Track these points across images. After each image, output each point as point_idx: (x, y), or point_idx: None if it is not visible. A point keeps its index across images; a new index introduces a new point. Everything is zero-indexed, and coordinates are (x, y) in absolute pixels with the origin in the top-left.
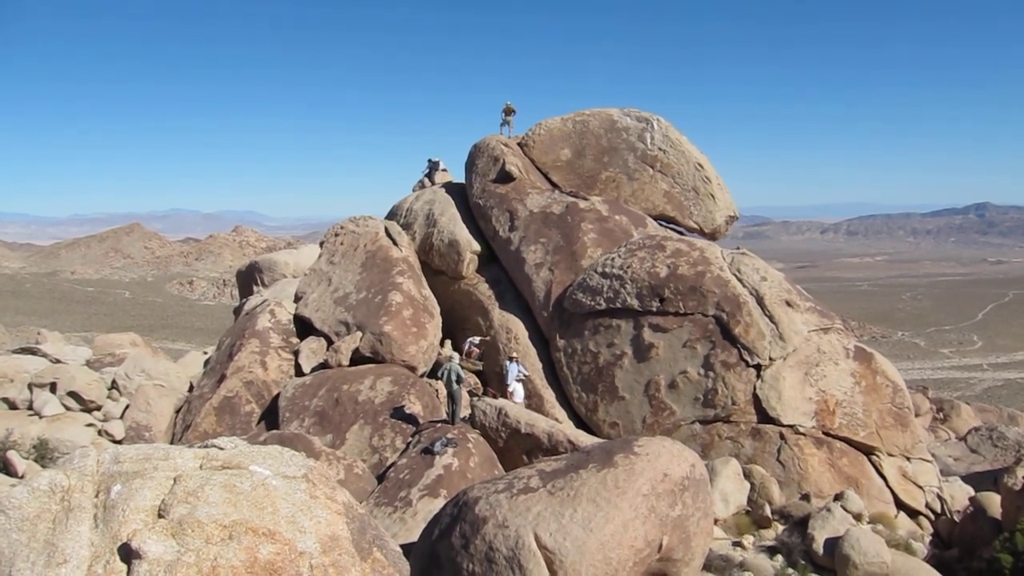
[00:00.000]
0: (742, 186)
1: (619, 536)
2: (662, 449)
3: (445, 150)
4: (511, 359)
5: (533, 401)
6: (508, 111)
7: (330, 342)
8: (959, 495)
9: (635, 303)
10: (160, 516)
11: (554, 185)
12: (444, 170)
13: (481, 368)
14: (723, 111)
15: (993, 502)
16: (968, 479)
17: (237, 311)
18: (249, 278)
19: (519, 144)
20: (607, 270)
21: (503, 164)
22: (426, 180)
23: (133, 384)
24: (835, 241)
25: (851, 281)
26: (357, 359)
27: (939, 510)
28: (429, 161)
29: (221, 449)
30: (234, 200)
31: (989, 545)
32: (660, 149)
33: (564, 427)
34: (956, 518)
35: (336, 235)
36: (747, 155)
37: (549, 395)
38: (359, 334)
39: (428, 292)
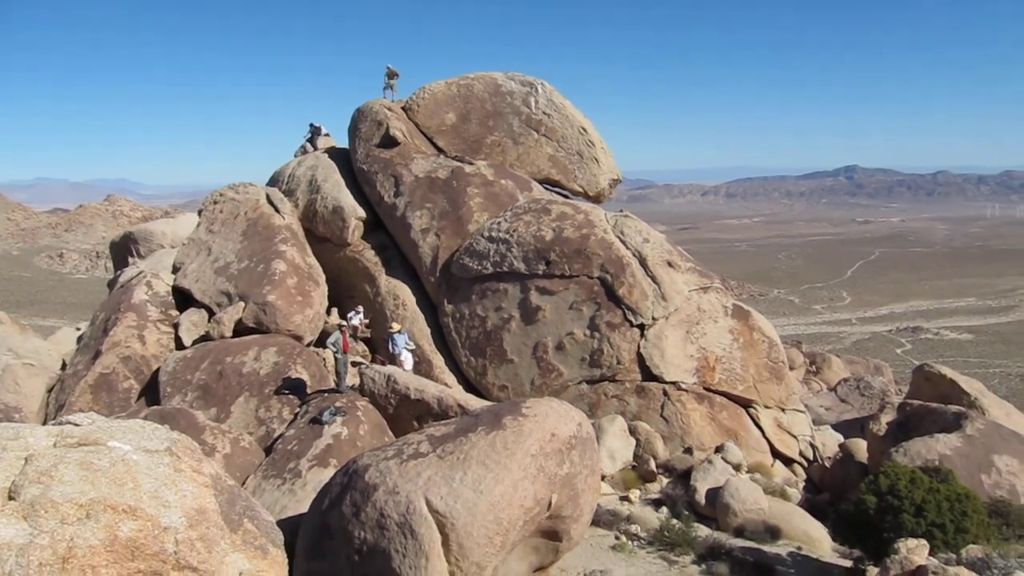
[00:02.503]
0: (626, 150)
1: (509, 496)
2: (549, 410)
3: (327, 115)
4: (398, 332)
5: (422, 367)
6: (391, 75)
7: (211, 313)
8: (830, 442)
9: (522, 267)
10: (10, 498)
11: (439, 150)
12: (327, 135)
13: (369, 336)
14: (606, 76)
15: (860, 448)
16: (838, 427)
17: (112, 284)
18: (124, 249)
19: (403, 108)
20: (493, 234)
21: (387, 128)
22: (308, 145)
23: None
24: (715, 203)
25: (731, 242)
26: (240, 330)
27: (812, 457)
28: (311, 126)
29: (77, 426)
30: (105, 168)
31: (856, 488)
32: (545, 113)
33: (454, 392)
34: (827, 464)
35: (215, 203)
36: (631, 120)
37: (438, 360)
38: (242, 304)
39: (313, 260)
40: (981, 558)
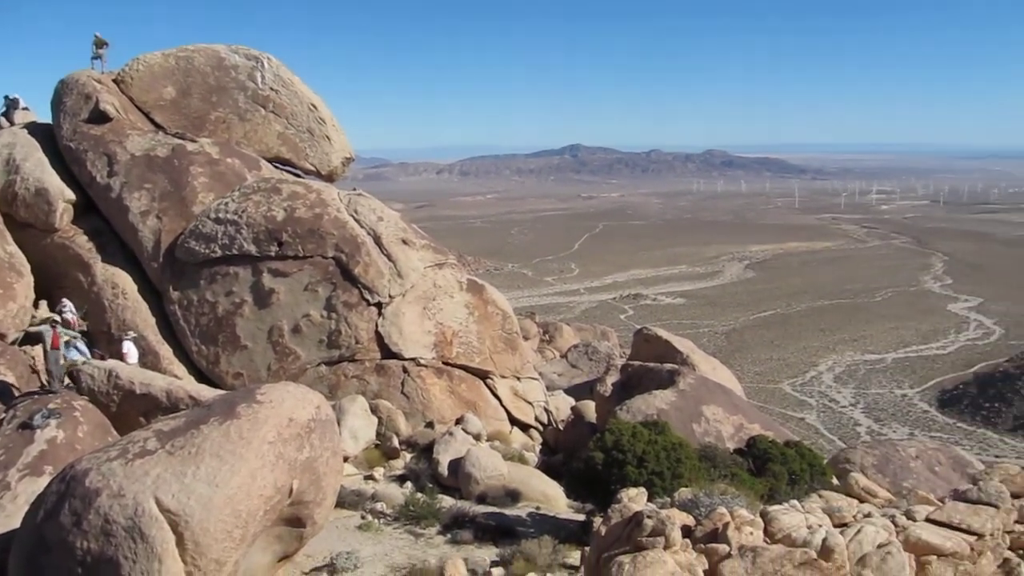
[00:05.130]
0: (360, 129)
1: (247, 487)
2: (286, 394)
3: (25, 87)
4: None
5: (148, 359)
6: (99, 43)
7: None
8: (563, 406)
9: (252, 249)
10: None
11: (158, 126)
12: (25, 108)
13: (86, 328)
14: (336, 54)
15: (590, 409)
16: (570, 391)
17: None
18: None
19: (115, 81)
20: (221, 216)
21: (97, 102)
22: (3, 120)
23: None
24: (450, 181)
25: (466, 219)
26: None
27: (547, 421)
28: (6, 99)
29: None
30: None
31: (586, 446)
32: (272, 89)
33: (184, 383)
34: (561, 427)
35: None
36: (363, 99)
37: (166, 351)
38: None
39: (14, 248)
40: (690, 499)
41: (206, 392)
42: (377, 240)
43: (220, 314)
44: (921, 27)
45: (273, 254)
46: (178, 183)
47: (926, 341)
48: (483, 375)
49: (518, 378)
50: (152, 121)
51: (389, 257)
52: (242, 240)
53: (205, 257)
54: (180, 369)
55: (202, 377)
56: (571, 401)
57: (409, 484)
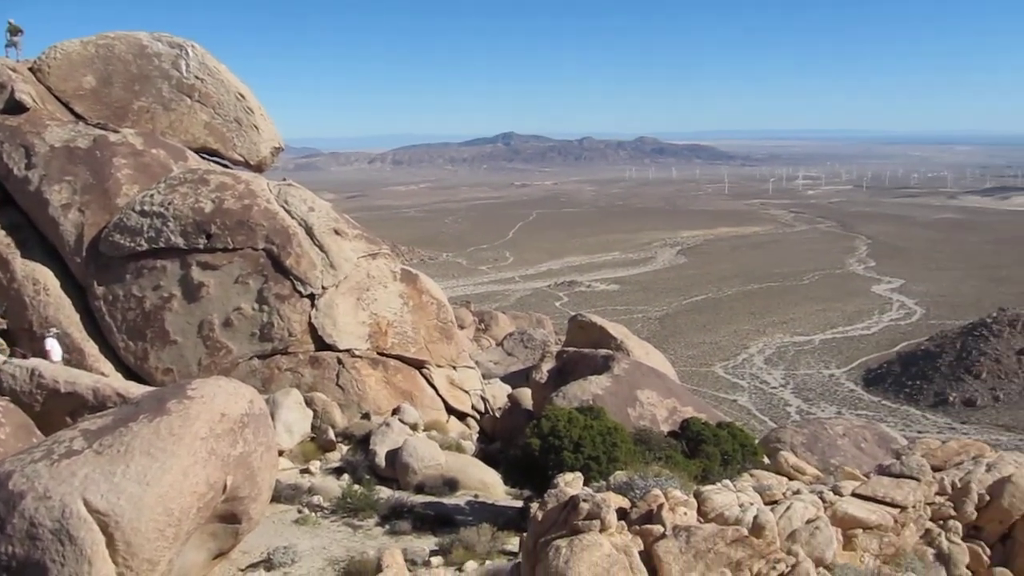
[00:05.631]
0: (289, 118)
1: (179, 485)
2: (217, 389)
3: None
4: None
5: (73, 356)
6: (13, 30)
7: None
8: (500, 394)
9: (180, 241)
10: None
11: (78, 116)
12: None
13: (6, 327)
14: (264, 42)
15: (526, 396)
16: (506, 379)
17: None
18: None
19: (31, 70)
20: (147, 208)
21: (12, 91)
22: None
23: None
24: (382, 171)
25: (399, 208)
26: None
27: (484, 409)
28: None
29: None
30: None
31: (523, 433)
32: (197, 78)
33: (112, 380)
34: (498, 414)
35: None
36: (292, 87)
37: (91, 348)
38: None
39: None
40: (625, 482)
41: (135, 389)
42: (309, 231)
43: (148, 309)
44: (840, 18)
45: (202, 247)
46: (100, 175)
47: (851, 322)
48: (419, 365)
49: (454, 367)
50: (72, 111)
51: (321, 248)
52: (169, 233)
53: (131, 251)
54: (107, 366)
55: (130, 374)
56: (508, 389)
57: (346, 476)
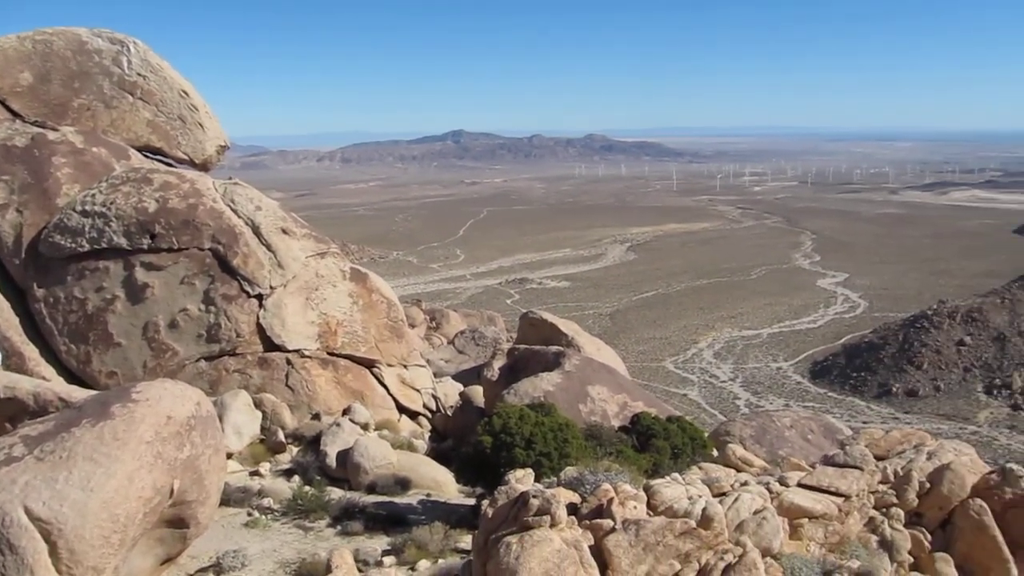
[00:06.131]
0: (235, 116)
1: (125, 490)
2: (163, 392)
3: None
4: None
5: (13, 361)
6: None
7: None
8: (451, 392)
9: (123, 242)
10: None
11: (15, 114)
12: None
13: None
14: (209, 39)
15: (478, 393)
16: (458, 377)
17: None
18: None
19: None
20: (88, 208)
21: None
22: None
23: None
24: (331, 169)
25: (349, 207)
26: None
27: (435, 408)
28: None
29: None
30: None
31: (475, 431)
32: (140, 75)
33: (53, 385)
34: (449, 413)
35: None
36: (238, 85)
37: (31, 352)
38: None
39: None
40: (576, 477)
41: (77, 393)
42: (256, 230)
43: (90, 311)
44: (784, 17)
45: (146, 247)
46: (39, 174)
47: (798, 316)
48: (369, 364)
49: (405, 366)
50: (8, 109)
51: (269, 247)
52: (111, 233)
53: (72, 252)
54: (48, 370)
55: (73, 378)
56: (459, 387)
57: (296, 478)
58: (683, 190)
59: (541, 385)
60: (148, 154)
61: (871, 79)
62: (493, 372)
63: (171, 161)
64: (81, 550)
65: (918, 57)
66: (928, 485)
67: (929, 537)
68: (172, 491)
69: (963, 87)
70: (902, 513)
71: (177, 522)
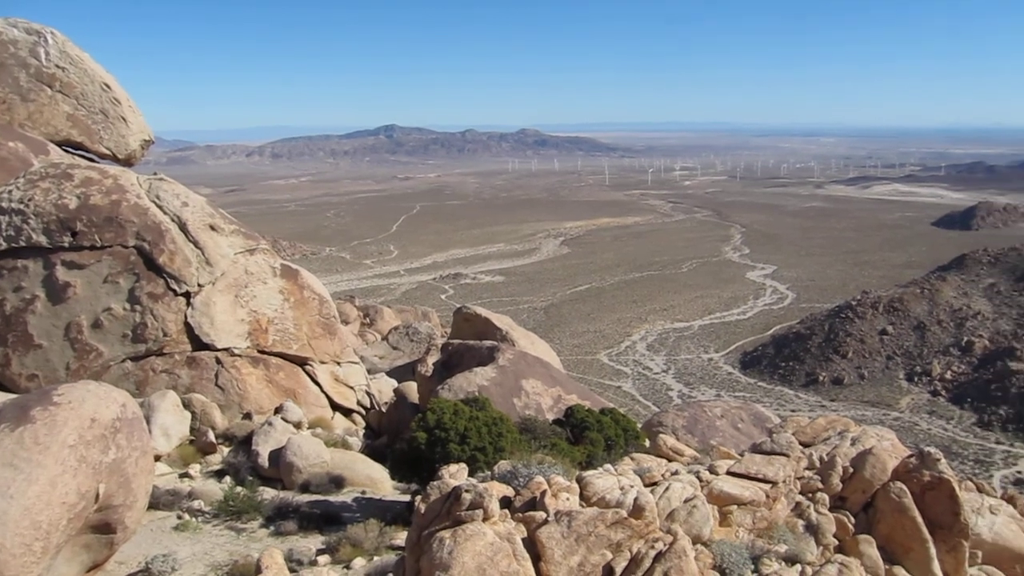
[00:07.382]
0: (161, 110)
1: (47, 496)
2: (87, 394)
3: None
4: None
5: None
6: None
7: None
8: (386, 388)
9: (43, 240)
10: None
11: None
12: None
13: None
14: (131, 30)
15: (412, 390)
16: (392, 373)
17: None
18: None
19: None
20: (4, 205)
21: None
22: None
23: None
24: (261, 164)
25: (279, 202)
26: None
27: (369, 405)
28: None
29: None
30: None
31: (409, 427)
32: (59, 67)
33: None
34: (384, 409)
35: None
36: (163, 79)
37: None
38: None
39: None
40: (509, 470)
41: None
42: (182, 227)
43: (8, 312)
44: (711, 15)
45: (67, 245)
46: None
47: (728, 308)
48: (301, 362)
49: (338, 363)
50: None
51: (196, 244)
52: (30, 231)
53: None
54: None
55: None
56: (394, 383)
57: (228, 479)
58: (615, 184)
59: (475, 380)
60: (68, 149)
61: (797, 76)
62: (427, 368)
63: (93, 156)
64: (2, 559)
65: (842, 55)
66: (851, 470)
67: (853, 520)
68: (97, 496)
69: (885, 84)
70: (827, 497)
71: (103, 527)
